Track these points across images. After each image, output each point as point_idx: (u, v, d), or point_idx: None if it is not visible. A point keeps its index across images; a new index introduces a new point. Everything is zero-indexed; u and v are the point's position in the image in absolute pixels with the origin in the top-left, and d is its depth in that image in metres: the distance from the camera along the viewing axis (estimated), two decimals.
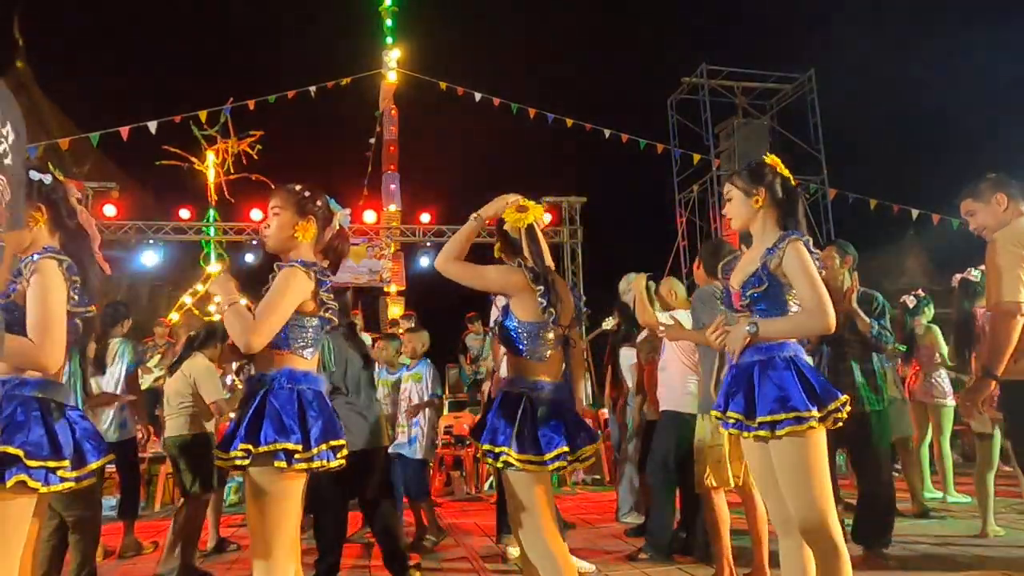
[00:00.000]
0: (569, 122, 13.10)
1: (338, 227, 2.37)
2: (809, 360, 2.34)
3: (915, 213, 12.83)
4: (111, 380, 4.74)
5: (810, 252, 2.26)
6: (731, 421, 2.30)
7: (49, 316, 1.94)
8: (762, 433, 2.18)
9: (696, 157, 13.97)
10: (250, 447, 2.03)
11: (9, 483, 1.81)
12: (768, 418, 2.16)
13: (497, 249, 2.66)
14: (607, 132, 13.00)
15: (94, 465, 2.03)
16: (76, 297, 2.04)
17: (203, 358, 4.53)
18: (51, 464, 1.87)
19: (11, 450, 1.82)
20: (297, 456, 2.04)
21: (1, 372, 1.98)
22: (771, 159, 2.45)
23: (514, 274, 2.47)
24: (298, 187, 2.32)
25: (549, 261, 2.56)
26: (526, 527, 2.36)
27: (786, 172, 2.41)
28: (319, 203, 2.33)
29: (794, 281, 2.24)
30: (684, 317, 4.07)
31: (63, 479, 1.92)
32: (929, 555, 4.02)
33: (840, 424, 2.21)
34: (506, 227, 2.59)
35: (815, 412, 2.13)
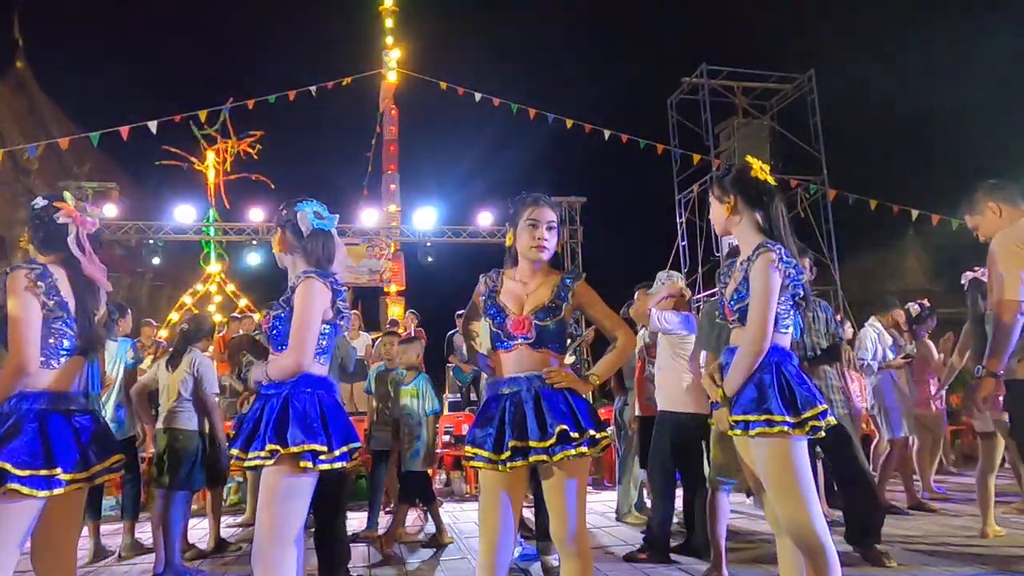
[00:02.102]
0: (569, 122, 13.11)
1: (310, 230, 2.32)
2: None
3: (915, 213, 12.83)
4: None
5: (783, 261, 2.20)
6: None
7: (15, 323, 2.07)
8: (738, 432, 2.22)
9: (696, 157, 13.96)
10: (278, 448, 2.11)
11: (0, 490, 1.95)
12: (741, 417, 2.19)
13: (533, 251, 2.38)
14: (607, 132, 13.00)
15: (97, 467, 2.16)
16: (51, 301, 2.12)
17: (201, 351, 4.55)
18: (43, 473, 1.99)
19: None
20: (322, 457, 2.14)
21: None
22: (752, 162, 2.36)
23: None
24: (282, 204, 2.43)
25: None
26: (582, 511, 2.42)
27: (764, 176, 2.32)
28: (284, 212, 2.37)
29: (751, 296, 2.23)
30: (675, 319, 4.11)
31: (68, 482, 2.04)
32: (929, 555, 4.02)
33: (821, 433, 2.19)
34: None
35: (788, 418, 2.13)
